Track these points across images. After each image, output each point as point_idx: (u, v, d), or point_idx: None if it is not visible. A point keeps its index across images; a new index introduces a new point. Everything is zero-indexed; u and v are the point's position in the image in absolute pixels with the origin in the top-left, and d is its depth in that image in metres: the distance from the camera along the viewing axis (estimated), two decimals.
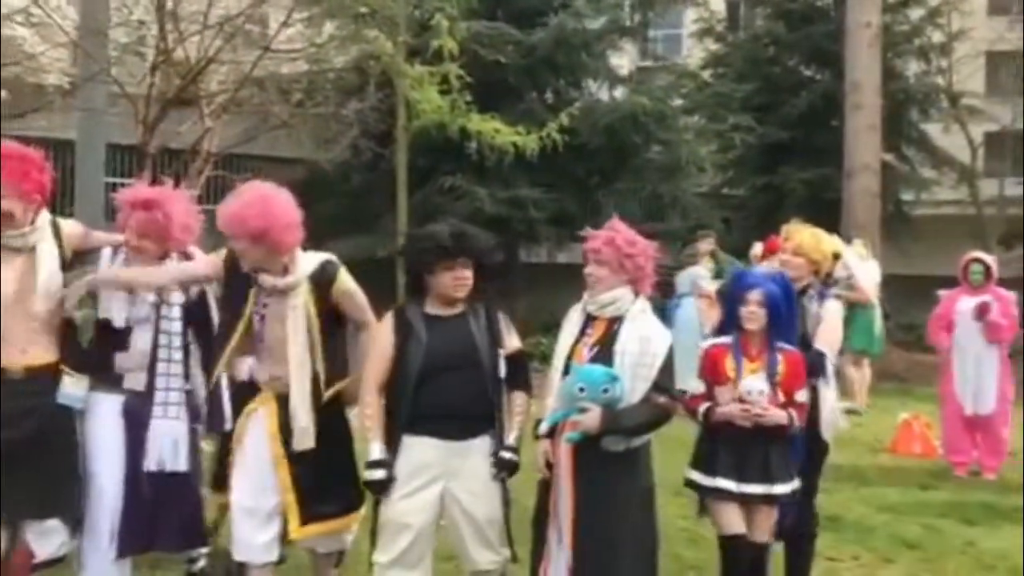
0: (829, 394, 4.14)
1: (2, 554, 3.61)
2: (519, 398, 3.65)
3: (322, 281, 3.68)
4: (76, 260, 3.73)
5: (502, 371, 3.59)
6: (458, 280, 3.55)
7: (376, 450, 3.53)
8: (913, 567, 4.86)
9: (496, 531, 3.59)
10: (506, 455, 3.56)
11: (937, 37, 16.42)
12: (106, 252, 3.80)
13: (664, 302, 8.95)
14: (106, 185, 9.32)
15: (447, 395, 3.49)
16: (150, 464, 3.71)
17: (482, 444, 3.56)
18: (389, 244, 9.39)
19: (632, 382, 3.41)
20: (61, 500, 3.62)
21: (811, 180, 14.51)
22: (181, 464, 3.77)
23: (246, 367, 3.71)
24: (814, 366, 4.00)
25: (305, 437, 3.62)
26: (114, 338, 3.72)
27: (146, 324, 3.74)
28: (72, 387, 3.64)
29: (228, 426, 3.81)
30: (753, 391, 3.71)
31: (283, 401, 3.65)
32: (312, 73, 11.15)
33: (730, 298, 3.89)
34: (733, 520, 3.76)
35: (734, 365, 3.78)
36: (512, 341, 3.68)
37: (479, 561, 3.61)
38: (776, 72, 15.93)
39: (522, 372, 3.70)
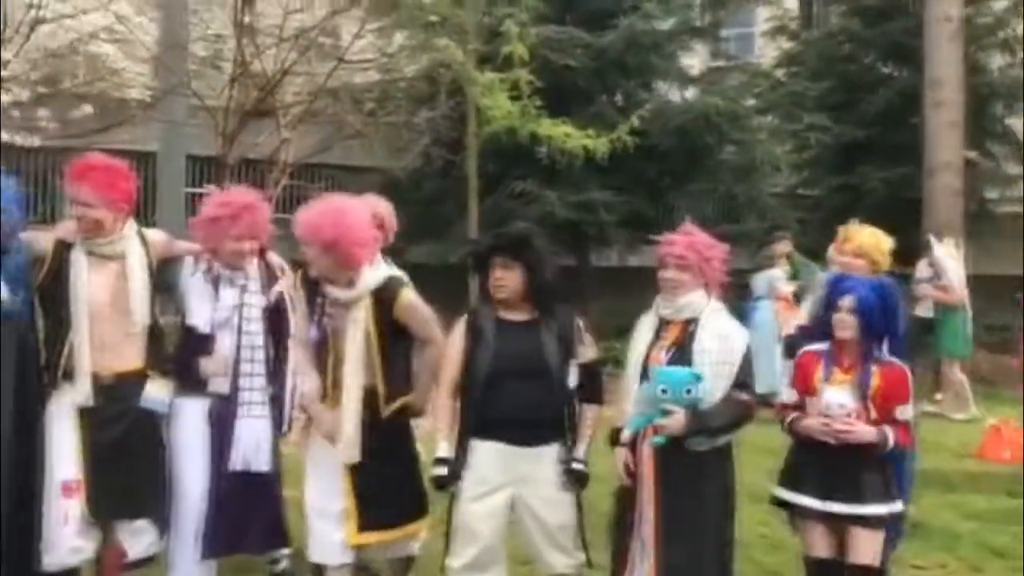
0: None
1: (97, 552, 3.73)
2: (591, 410, 3.66)
3: (384, 297, 3.75)
4: (161, 268, 3.85)
5: (572, 381, 3.59)
6: (496, 281, 3.58)
7: (442, 448, 3.61)
8: None
9: (569, 536, 3.60)
10: (576, 467, 3.57)
11: (1022, 29, 15.89)
12: (189, 261, 3.92)
13: (740, 305, 8.83)
14: (186, 195, 9.60)
15: (513, 401, 3.51)
16: (235, 464, 3.81)
17: (551, 452, 3.58)
18: (461, 250, 9.44)
19: (713, 381, 3.39)
20: (149, 501, 3.74)
21: (890, 179, 14.16)
22: (264, 464, 3.87)
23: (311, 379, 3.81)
24: None
25: (349, 449, 3.67)
26: (199, 343, 3.84)
27: (229, 328, 3.84)
28: (156, 392, 3.75)
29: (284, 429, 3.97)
30: (833, 405, 3.52)
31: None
32: (384, 83, 11.31)
33: (825, 303, 3.71)
34: (817, 542, 3.58)
35: (823, 376, 3.58)
36: (586, 351, 3.67)
37: (555, 564, 3.62)
38: (852, 70, 15.58)
39: (595, 383, 3.70)
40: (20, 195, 3.61)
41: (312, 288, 3.81)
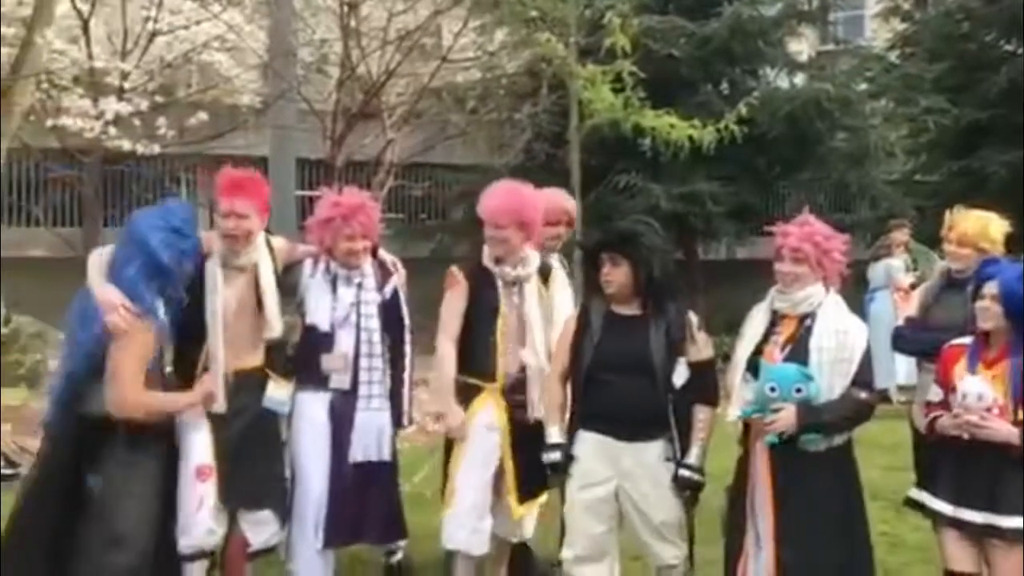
0: None
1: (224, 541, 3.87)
2: (702, 412, 3.58)
3: (543, 273, 4.08)
4: (284, 273, 3.97)
5: (678, 379, 3.54)
6: (604, 276, 3.60)
7: (553, 434, 3.67)
8: None
9: (673, 530, 3.57)
10: (685, 473, 3.52)
11: None
12: (308, 263, 4.04)
13: (857, 296, 8.58)
14: (297, 198, 9.86)
15: (614, 396, 3.52)
16: (356, 454, 3.94)
17: (655, 448, 3.55)
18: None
19: (830, 379, 3.27)
20: (270, 493, 3.86)
21: (1014, 162, 13.50)
22: (385, 454, 4.00)
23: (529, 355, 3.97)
24: None
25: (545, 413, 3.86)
26: (320, 341, 3.97)
27: (348, 326, 3.97)
28: (277, 392, 3.87)
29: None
30: (970, 394, 3.23)
31: (508, 390, 3.93)
32: (486, 80, 11.39)
33: (973, 292, 3.48)
34: (954, 552, 3.34)
35: (963, 372, 3.32)
36: (699, 350, 3.61)
37: (662, 556, 3.60)
38: (971, 49, 14.93)
39: (707, 383, 3.61)
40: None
41: (482, 278, 3.98)
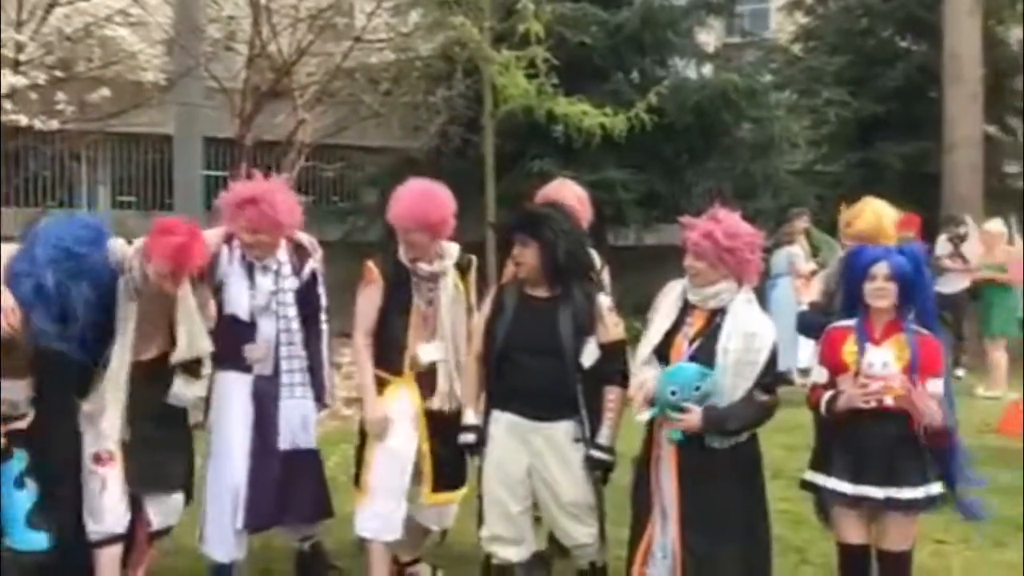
0: None
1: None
2: (612, 392, 3.61)
3: (462, 265, 4.07)
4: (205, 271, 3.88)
5: (586, 359, 3.56)
6: (515, 258, 3.64)
7: (468, 416, 3.74)
8: None
9: (584, 511, 3.63)
10: (596, 454, 3.57)
11: None
12: (224, 252, 3.98)
13: (759, 283, 8.81)
14: (204, 178, 9.62)
15: (525, 377, 3.57)
16: (284, 443, 3.94)
17: (564, 428, 3.60)
18: (478, 229, 9.44)
19: (734, 380, 3.29)
20: (177, 476, 3.85)
21: (909, 154, 14.06)
22: (311, 440, 4.02)
23: (432, 350, 3.96)
24: None
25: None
26: (240, 330, 3.95)
27: (268, 314, 3.95)
28: (182, 388, 3.79)
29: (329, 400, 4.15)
30: (876, 363, 3.32)
31: (422, 380, 3.93)
32: (400, 62, 11.27)
33: (851, 274, 3.51)
34: (852, 528, 3.45)
35: (855, 350, 3.38)
36: (608, 331, 3.62)
37: (573, 534, 3.66)
38: (870, 44, 15.44)
39: (616, 364, 3.64)
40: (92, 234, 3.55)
41: (401, 275, 3.96)
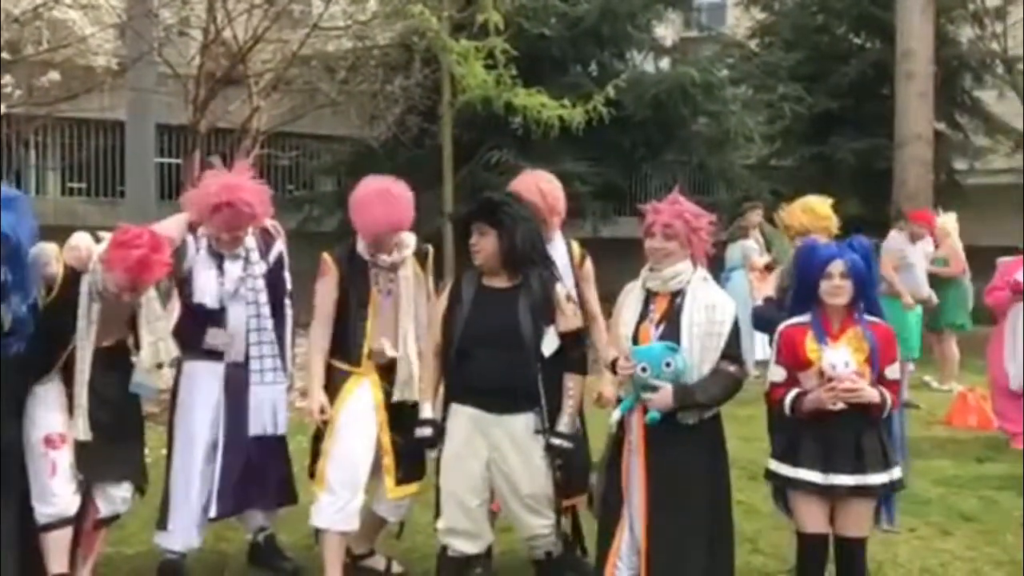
0: None
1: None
2: (572, 380, 3.64)
3: (420, 253, 4.06)
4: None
5: (546, 348, 3.58)
6: (473, 247, 3.62)
7: (425, 410, 3.71)
8: (971, 539, 4.80)
9: (543, 503, 3.64)
10: (555, 441, 3.59)
11: (992, 1, 15.99)
12: (190, 241, 3.95)
13: (714, 275, 8.89)
14: (157, 165, 9.46)
15: (485, 369, 3.54)
16: (255, 429, 3.94)
17: (524, 420, 3.59)
18: (436, 219, 9.41)
19: (701, 353, 3.37)
20: (132, 466, 3.82)
21: (861, 150, 14.25)
22: (281, 427, 4.03)
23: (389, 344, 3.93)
24: None
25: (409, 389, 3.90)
26: (209, 317, 3.92)
27: (238, 300, 3.93)
28: (144, 377, 3.74)
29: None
30: (838, 364, 3.37)
31: (383, 372, 3.90)
32: (357, 50, 11.17)
33: (805, 272, 3.55)
34: (814, 518, 3.48)
35: (816, 346, 3.43)
36: (568, 320, 3.64)
37: (532, 527, 3.66)
38: (824, 41, 15.62)
39: (575, 352, 3.68)
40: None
41: (357, 266, 3.93)
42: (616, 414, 3.50)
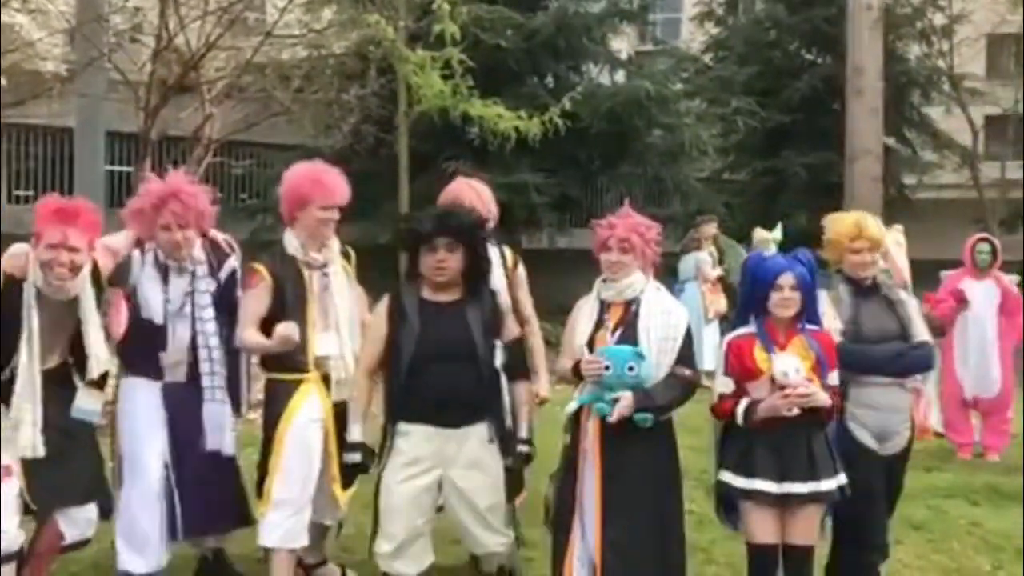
0: (931, 388, 3.89)
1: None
2: (521, 387, 3.71)
3: (344, 255, 3.99)
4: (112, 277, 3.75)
5: (498, 361, 3.60)
6: (438, 263, 3.55)
7: (355, 432, 3.64)
8: (919, 548, 4.88)
9: (498, 516, 3.62)
10: (522, 448, 3.64)
11: (939, 19, 16.37)
12: (135, 256, 3.84)
13: (667, 286, 8.96)
14: (107, 173, 9.32)
15: (440, 384, 3.49)
16: (211, 445, 3.83)
17: (478, 431, 3.58)
18: (391, 230, 9.37)
19: (658, 357, 3.43)
20: (94, 487, 3.71)
21: (813, 164, 14.50)
22: (230, 447, 3.91)
23: (328, 342, 3.84)
24: (925, 360, 3.84)
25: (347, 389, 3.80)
26: (154, 334, 3.81)
27: (182, 317, 3.82)
28: (86, 402, 3.65)
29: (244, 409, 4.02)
30: (789, 370, 3.41)
31: (326, 379, 3.81)
32: (312, 59, 11.11)
33: (753, 284, 3.59)
34: (766, 528, 3.50)
35: (765, 355, 3.48)
36: (510, 331, 3.71)
37: (487, 544, 3.64)
38: (777, 56, 15.89)
39: (520, 360, 3.75)
40: None
41: (289, 268, 3.83)
42: (572, 405, 3.53)
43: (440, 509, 3.71)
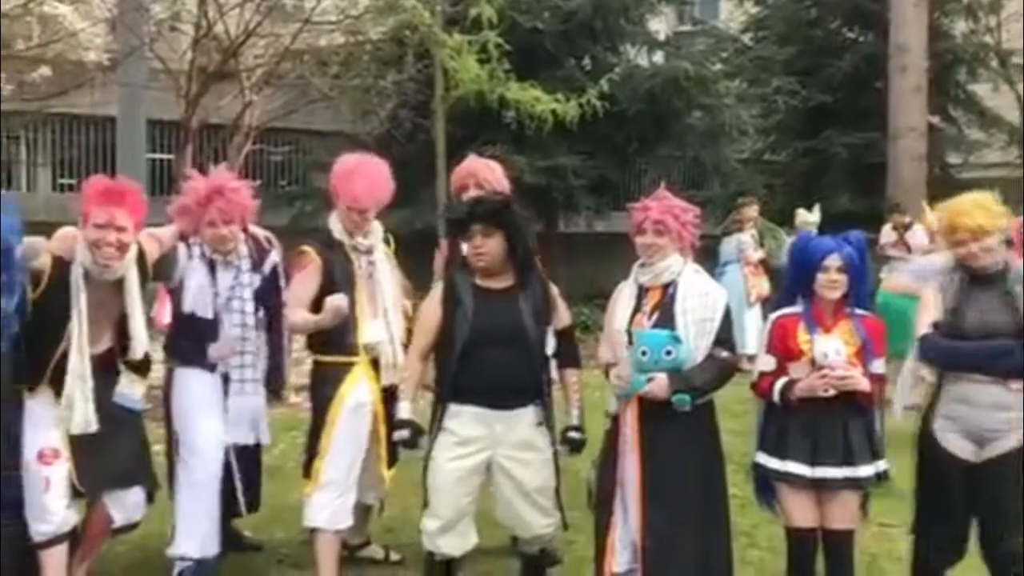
0: None
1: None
2: (573, 375, 3.75)
3: (385, 239, 4.08)
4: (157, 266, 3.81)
5: (549, 348, 3.65)
6: (475, 249, 3.58)
7: (404, 410, 3.66)
8: None
9: (547, 497, 3.64)
10: (573, 435, 3.66)
11: None
12: (182, 249, 3.91)
13: (708, 269, 8.90)
14: (149, 161, 9.44)
15: (491, 369, 3.53)
16: (234, 438, 3.93)
17: (527, 414, 3.61)
18: (429, 215, 9.39)
19: (696, 339, 3.40)
20: (139, 471, 3.77)
21: (855, 144, 14.26)
22: (264, 436, 4.05)
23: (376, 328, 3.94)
24: None
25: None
26: (203, 328, 3.90)
27: (229, 311, 3.91)
28: (129, 388, 3.71)
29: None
30: (829, 352, 3.38)
31: (374, 362, 3.91)
32: (350, 45, 11.16)
33: (800, 265, 3.55)
34: (803, 511, 3.49)
35: (807, 337, 3.44)
36: (561, 318, 3.75)
37: (532, 525, 3.65)
38: (818, 34, 15.64)
39: (572, 347, 3.78)
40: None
41: (333, 252, 3.91)
42: (613, 403, 3.53)
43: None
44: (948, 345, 3.46)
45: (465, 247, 3.69)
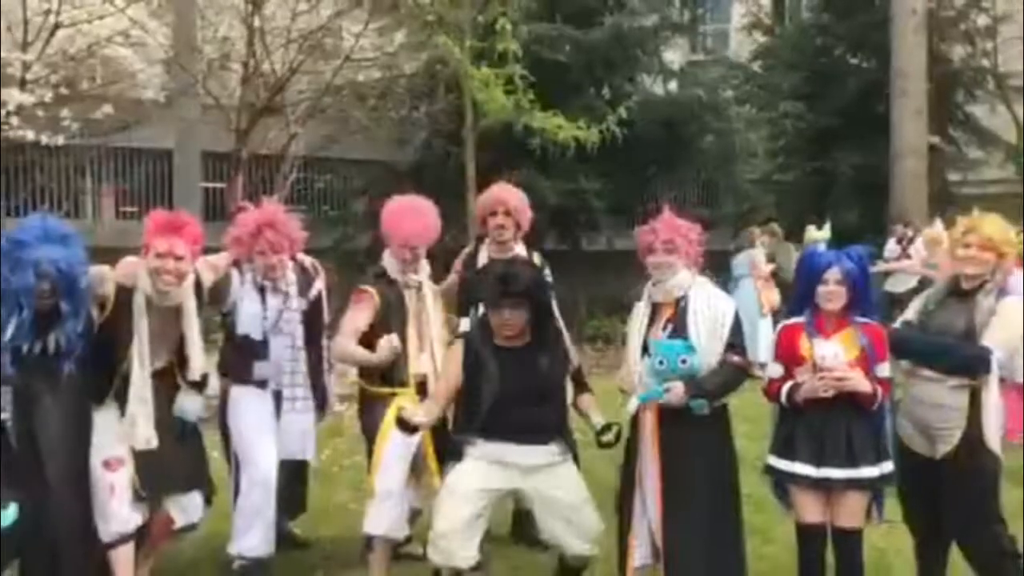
0: (991, 398, 3.49)
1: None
2: (586, 400, 3.83)
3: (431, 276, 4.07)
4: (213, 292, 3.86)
5: (570, 396, 3.72)
6: (505, 322, 3.57)
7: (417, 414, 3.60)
8: None
9: (586, 515, 3.61)
10: (604, 438, 3.65)
11: (982, 20, 15.88)
12: (235, 275, 3.98)
13: (722, 283, 8.87)
14: (203, 189, 9.57)
15: (517, 423, 3.54)
16: (285, 454, 3.98)
17: (549, 447, 3.62)
18: (460, 238, 9.44)
19: (708, 343, 3.41)
20: (197, 475, 3.81)
21: (859, 165, 14.16)
22: (310, 452, 4.11)
23: (425, 361, 3.92)
24: (973, 363, 3.46)
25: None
26: (255, 348, 3.96)
27: (278, 332, 3.97)
28: (187, 402, 3.74)
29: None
30: (828, 355, 3.40)
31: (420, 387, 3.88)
32: (386, 79, 11.28)
33: (804, 277, 3.58)
34: (811, 508, 3.49)
35: (809, 343, 3.47)
36: (572, 362, 3.81)
37: (574, 547, 3.64)
38: (823, 62, 15.56)
39: (583, 381, 3.88)
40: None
41: (389, 289, 3.91)
42: (633, 403, 3.52)
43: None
44: (903, 334, 3.62)
45: (491, 316, 3.62)
